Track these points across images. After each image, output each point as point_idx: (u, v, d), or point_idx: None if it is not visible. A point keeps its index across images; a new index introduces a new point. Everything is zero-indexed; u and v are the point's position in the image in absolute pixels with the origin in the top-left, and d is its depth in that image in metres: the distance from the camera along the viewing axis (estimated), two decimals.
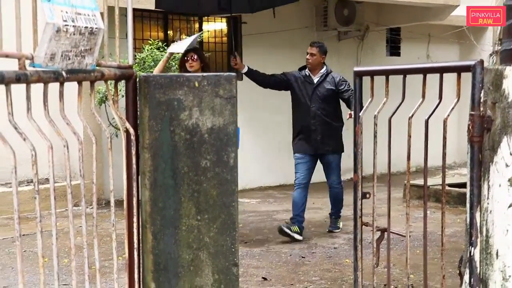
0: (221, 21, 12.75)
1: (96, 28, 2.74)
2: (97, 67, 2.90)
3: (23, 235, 6.33)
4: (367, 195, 4.10)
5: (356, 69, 4.16)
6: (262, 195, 11.88)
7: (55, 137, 2.61)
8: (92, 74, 2.82)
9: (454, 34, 14.67)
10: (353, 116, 5.43)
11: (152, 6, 10.64)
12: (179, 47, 8.24)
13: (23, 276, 2.37)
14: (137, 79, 3.26)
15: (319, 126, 8.35)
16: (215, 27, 12.88)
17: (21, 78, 2.31)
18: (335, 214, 8.82)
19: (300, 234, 8.11)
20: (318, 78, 8.43)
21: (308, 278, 6.39)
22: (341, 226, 8.73)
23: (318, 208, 10.29)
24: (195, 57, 8.04)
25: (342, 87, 8.30)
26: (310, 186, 8.59)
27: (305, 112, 8.49)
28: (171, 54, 8.40)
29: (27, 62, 2.43)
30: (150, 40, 10.57)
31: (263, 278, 6.42)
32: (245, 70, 8.48)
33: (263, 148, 12.51)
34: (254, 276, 6.53)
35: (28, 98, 2.45)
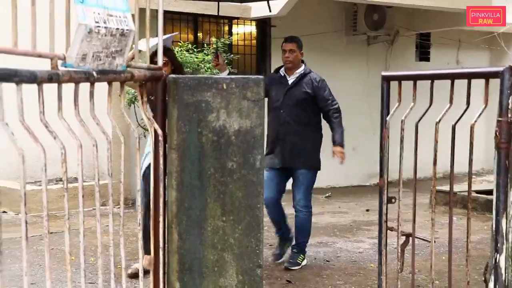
0: (250, 24, 12.80)
1: (127, 29, 2.75)
2: (127, 68, 2.91)
3: (51, 232, 6.38)
4: (393, 200, 4.10)
5: (384, 73, 4.17)
6: (288, 198, 11.83)
7: (84, 136, 2.63)
8: (122, 75, 2.83)
9: (484, 40, 14.55)
10: (342, 151, 5.97)
11: (182, 9, 10.74)
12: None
13: (50, 273, 2.40)
14: (166, 81, 3.27)
15: (289, 135, 6.96)
16: (244, 30, 12.91)
17: (53, 77, 2.34)
18: (298, 247, 7.17)
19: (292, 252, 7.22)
20: (293, 79, 7.08)
21: (332, 282, 6.41)
22: (303, 263, 7.10)
23: (344, 212, 10.27)
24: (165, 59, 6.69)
25: (321, 93, 6.91)
26: (337, 191, 8.50)
27: (276, 119, 7.18)
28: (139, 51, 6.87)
29: (59, 62, 2.45)
30: (180, 42, 10.62)
31: (287, 281, 6.45)
32: (225, 73, 7.25)
33: None
34: (278, 278, 6.57)
35: (59, 97, 2.49)
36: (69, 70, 2.47)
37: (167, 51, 6.37)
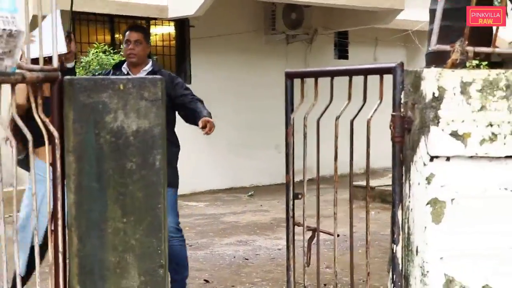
0: (169, 24, 12.77)
1: (15, 30, 2.74)
2: (18, 70, 2.87)
3: None
4: (299, 196, 4.17)
5: (286, 71, 4.25)
6: (211, 198, 11.98)
7: None
8: (12, 77, 2.79)
9: (400, 37, 14.91)
10: (207, 126, 5.17)
11: (97, 9, 10.65)
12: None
13: None
14: (63, 82, 3.24)
15: None
16: (162, 30, 12.91)
17: None
18: (179, 285, 5.65)
19: None
20: None
21: (250, 280, 6.49)
22: None
23: (265, 210, 10.40)
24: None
25: (181, 90, 5.73)
26: (259, 189, 8.53)
27: None
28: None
29: None
30: (96, 44, 10.57)
31: (205, 280, 6.51)
32: (71, 65, 5.56)
33: (211, 151, 12.55)
34: (196, 278, 6.60)
35: None
36: None
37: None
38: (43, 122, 3.11)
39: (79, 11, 10.85)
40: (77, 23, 11.66)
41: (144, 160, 3.26)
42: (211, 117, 5.37)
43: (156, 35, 12.89)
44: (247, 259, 7.48)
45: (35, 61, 3.05)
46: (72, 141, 3.22)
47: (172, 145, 5.52)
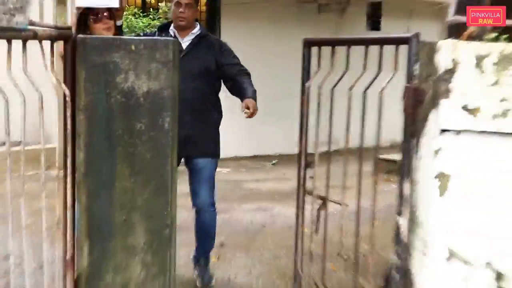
0: None
1: None
2: (31, 27, 2.92)
3: None
4: (311, 165, 4.21)
5: (304, 38, 4.28)
6: (235, 165, 12.03)
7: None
8: (22, 33, 2.85)
9: (435, 10, 14.76)
10: (250, 109, 4.84)
11: None
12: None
13: None
14: (76, 40, 3.26)
15: (187, 116, 4.92)
16: None
17: None
18: (205, 254, 5.63)
19: None
20: (188, 42, 5.39)
21: (264, 245, 6.56)
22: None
23: (287, 179, 10.40)
24: (107, 16, 4.56)
25: (229, 58, 5.37)
26: (284, 158, 8.48)
27: None
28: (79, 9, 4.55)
29: None
30: (126, 6, 10.60)
31: (220, 244, 6.53)
32: (119, 23, 4.92)
33: (237, 119, 12.56)
34: None
35: None
36: None
37: (112, 11, 4.50)
38: (56, 80, 3.17)
39: None
40: None
41: (154, 122, 3.30)
42: (256, 97, 5.12)
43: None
44: (264, 226, 7.54)
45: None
46: (83, 100, 3.25)
47: (215, 112, 5.42)
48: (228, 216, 7.91)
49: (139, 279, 3.42)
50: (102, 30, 4.28)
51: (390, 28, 14.98)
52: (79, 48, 3.24)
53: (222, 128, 5.56)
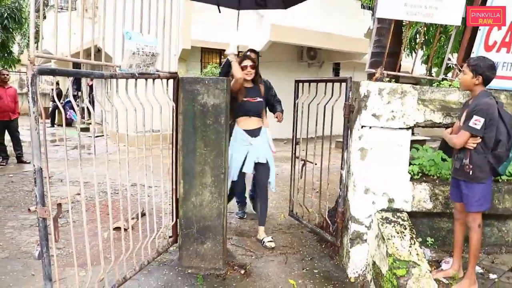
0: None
1: (155, 52, 3.11)
2: (157, 72, 3.25)
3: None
4: (299, 143, 4.54)
5: (296, 78, 4.60)
6: None
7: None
8: (153, 75, 3.21)
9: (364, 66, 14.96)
10: (279, 118, 4.48)
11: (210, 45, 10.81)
12: (232, 49, 4.10)
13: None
14: (179, 78, 3.58)
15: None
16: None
17: (113, 76, 2.78)
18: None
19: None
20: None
21: (277, 184, 6.22)
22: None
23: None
24: (252, 64, 4.17)
25: (272, 92, 4.80)
26: (289, 140, 8.26)
27: None
28: (236, 54, 4.13)
29: (117, 68, 2.86)
30: (210, 64, 10.91)
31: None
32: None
33: (271, 119, 12.80)
34: None
35: (117, 86, 2.91)
36: (122, 73, 2.87)
37: (252, 57, 4.25)
38: (170, 99, 3.53)
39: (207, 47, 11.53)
40: (205, 52, 12.10)
41: (216, 120, 3.53)
42: (282, 111, 4.66)
43: None
44: (277, 174, 7.23)
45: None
46: (181, 108, 3.54)
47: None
48: None
49: (208, 199, 3.61)
50: (245, 74, 4.08)
51: (343, 74, 15.13)
52: (181, 82, 3.54)
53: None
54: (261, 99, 4.24)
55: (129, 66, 2.88)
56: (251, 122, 4.22)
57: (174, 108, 3.60)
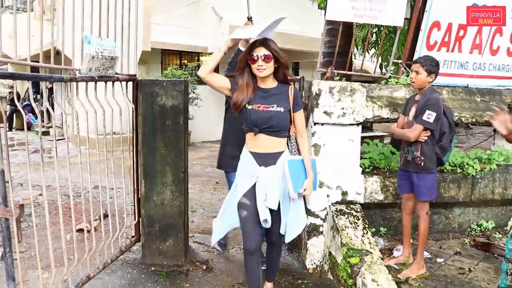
0: (207, 56, 12.97)
1: (114, 56, 3.13)
2: (116, 75, 3.28)
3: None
4: None
5: None
6: None
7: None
8: (112, 78, 3.24)
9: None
10: None
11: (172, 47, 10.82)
12: (247, 32, 2.88)
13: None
14: (137, 81, 3.62)
15: None
16: (204, 59, 13.09)
17: (72, 79, 2.82)
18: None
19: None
20: None
21: None
22: None
23: None
24: (267, 54, 2.70)
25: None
26: None
27: None
28: (235, 40, 2.86)
29: (77, 72, 2.90)
30: (171, 65, 10.91)
31: (216, 182, 6.94)
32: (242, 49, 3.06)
33: None
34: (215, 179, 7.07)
35: (76, 90, 2.96)
36: (82, 76, 2.89)
37: (270, 44, 2.73)
38: (129, 100, 3.55)
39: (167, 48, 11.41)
40: (165, 54, 11.98)
41: (175, 120, 3.58)
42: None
43: (203, 61, 13.05)
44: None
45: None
46: (141, 109, 3.58)
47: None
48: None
49: (169, 198, 3.66)
50: (258, 73, 2.67)
51: (302, 74, 15.45)
52: (140, 84, 3.58)
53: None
54: (280, 108, 2.72)
55: (89, 70, 2.91)
56: (261, 142, 2.73)
57: (134, 110, 3.64)
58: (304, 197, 3.07)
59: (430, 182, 3.33)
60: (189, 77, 10.29)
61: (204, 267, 3.78)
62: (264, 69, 2.68)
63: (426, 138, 3.28)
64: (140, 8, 9.09)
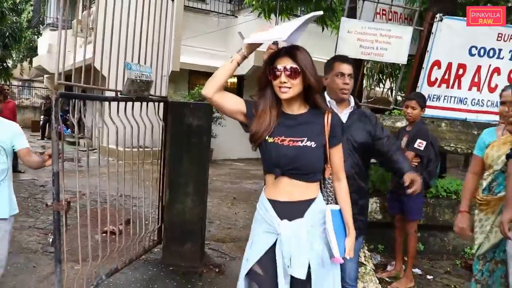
0: (233, 78, 13.45)
1: (150, 80, 3.62)
2: (150, 96, 3.76)
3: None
4: None
5: None
6: (248, 162, 12.39)
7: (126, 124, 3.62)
8: (147, 98, 3.74)
9: None
10: (415, 186, 2.53)
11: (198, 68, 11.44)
12: (272, 34, 1.95)
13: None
14: (168, 102, 4.11)
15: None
16: (230, 80, 13.57)
17: (116, 99, 3.34)
18: None
19: None
20: (346, 115, 2.68)
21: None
22: None
23: None
24: (294, 67, 1.91)
25: (381, 132, 2.75)
26: None
27: None
28: (253, 47, 2.03)
29: (119, 93, 3.42)
30: (197, 85, 11.49)
31: (233, 198, 7.36)
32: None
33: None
34: (224, 196, 7.47)
35: (117, 108, 3.46)
36: (123, 96, 3.40)
37: (297, 53, 1.95)
38: (160, 119, 4.03)
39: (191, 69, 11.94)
40: (192, 74, 12.52)
41: (199, 138, 4.01)
42: (418, 171, 3.10)
43: (228, 82, 13.43)
44: (256, 190, 8.08)
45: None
46: (169, 127, 4.03)
47: (367, 185, 2.83)
48: (238, 185, 8.67)
49: (190, 206, 4.05)
50: (280, 94, 1.95)
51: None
52: (170, 105, 4.06)
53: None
54: (311, 143, 2.00)
55: (129, 91, 3.42)
56: (283, 188, 2.02)
57: (164, 127, 4.13)
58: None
59: (418, 203, 3.75)
60: None
61: (217, 270, 4.23)
62: (288, 88, 1.94)
63: (416, 164, 3.71)
64: (172, 33, 9.75)
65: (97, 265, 3.45)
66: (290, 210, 2.01)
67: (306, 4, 6.64)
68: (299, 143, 1.99)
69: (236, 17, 12.79)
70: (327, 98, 2.65)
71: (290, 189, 2.01)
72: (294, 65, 1.94)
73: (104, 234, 3.65)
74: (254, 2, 6.79)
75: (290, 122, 2.03)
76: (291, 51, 1.96)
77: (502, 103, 2.83)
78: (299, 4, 6.71)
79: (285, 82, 1.94)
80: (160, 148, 4.24)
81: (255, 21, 8.59)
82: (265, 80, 2.02)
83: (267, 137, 2.02)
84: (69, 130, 15.27)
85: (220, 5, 12.99)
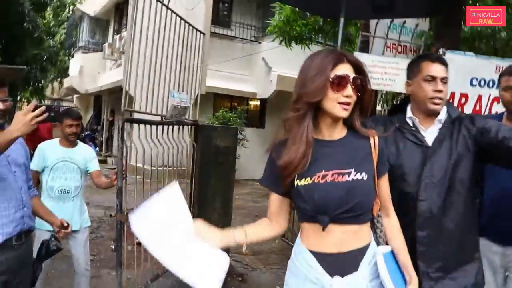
0: (256, 101, 13.71)
1: (187, 105, 4.07)
2: (186, 120, 4.22)
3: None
4: None
5: None
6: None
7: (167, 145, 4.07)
8: (184, 122, 4.19)
9: None
10: None
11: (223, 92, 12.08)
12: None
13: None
14: (198, 125, 4.53)
15: (439, 243, 1.89)
16: (254, 103, 13.95)
17: (162, 123, 3.81)
18: None
19: None
20: (434, 134, 1.93)
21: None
22: None
23: None
24: (362, 78, 1.56)
25: (482, 122, 1.90)
26: None
27: (407, 211, 1.88)
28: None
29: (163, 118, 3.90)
30: (222, 108, 12.08)
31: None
32: None
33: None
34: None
35: (162, 130, 3.91)
36: (167, 120, 3.87)
37: (359, 64, 1.61)
38: (192, 141, 4.48)
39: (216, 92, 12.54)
40: (217, 97, 13.09)
41: (226, 158, 4.39)
42: None
43: (251, 105, 14.11)
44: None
45: None
46: (200, 147, 4.42)
47: (475, 236, 2.06)
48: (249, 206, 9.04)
49: (216, 220, 4.17)
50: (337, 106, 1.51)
51: None
52: (199, 128, 4.48)
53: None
54: (362, 175, 1.60)
55: (171, 116, 3.89)
56: (333, 237, 1.61)
57: (195, 147, 4.54)
58: None
59: None
60: (238, 120, 11.31)
61: (240, 279, 4.64)
62: (350, 103, 1.58)
63: None
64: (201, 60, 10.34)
65: (143, 270, 3.88)
66: (341, 264, 1.59)
67: (323, 34, 7.08)
68: (347, 177, 1.56)
69: (260, 43, 13.33)
70: (409, 113, 2.01)
71: (341, 237, 1.58)
72: (361, 76, 1.56)
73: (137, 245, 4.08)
74: (276, 30, 7.26)
75: (328, 150, 1.62)
76: (353, 59, 1.58)
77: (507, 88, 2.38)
78: (317, 33, 7.15)
79: (350, 96, 1.54)
80: (191, 167, 4.63)
81: (279, 49, 9.08)
82: (319, 94, 1.55)
83: (297, 180, 1.60)
84: (97, 148, 15.97)
85: (245, 32, 13.58)
